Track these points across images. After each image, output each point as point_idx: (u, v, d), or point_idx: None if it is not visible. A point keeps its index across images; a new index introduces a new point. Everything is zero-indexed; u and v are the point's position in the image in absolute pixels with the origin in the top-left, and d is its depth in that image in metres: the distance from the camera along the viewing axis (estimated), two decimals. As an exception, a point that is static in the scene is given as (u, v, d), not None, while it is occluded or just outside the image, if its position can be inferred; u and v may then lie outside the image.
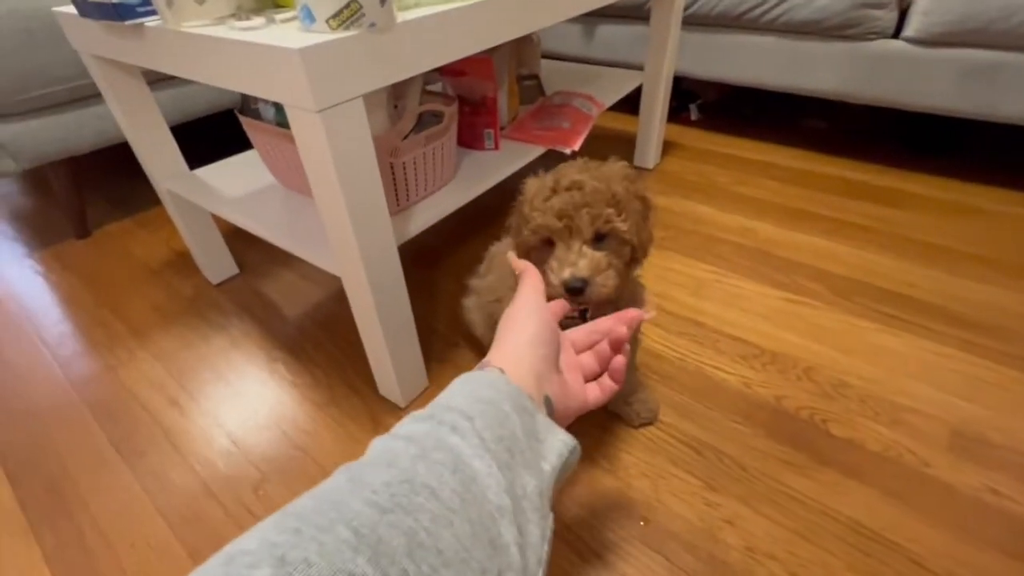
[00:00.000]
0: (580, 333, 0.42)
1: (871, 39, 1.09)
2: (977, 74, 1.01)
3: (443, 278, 0.97)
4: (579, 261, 0.45)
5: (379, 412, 0.71)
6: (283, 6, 0.56)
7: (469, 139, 0.88)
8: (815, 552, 0.53)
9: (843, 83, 1.15)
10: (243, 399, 0.74)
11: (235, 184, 0.82)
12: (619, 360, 0.39)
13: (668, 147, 1.39)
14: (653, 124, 1.22)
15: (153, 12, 0.55)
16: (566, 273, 0.45)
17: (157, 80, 1.08)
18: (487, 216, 1.13)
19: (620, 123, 1.55)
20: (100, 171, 1.47)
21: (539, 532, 0.25)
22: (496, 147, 0.88)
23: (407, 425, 0.27)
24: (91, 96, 1.02)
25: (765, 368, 0.74)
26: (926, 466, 0.60)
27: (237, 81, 0.49)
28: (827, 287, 0.88)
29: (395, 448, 0.25)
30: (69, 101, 1.01)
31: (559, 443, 0.30)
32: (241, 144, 0.89)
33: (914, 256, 0.95)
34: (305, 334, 0.85)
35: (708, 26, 1.27)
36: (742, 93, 1.56)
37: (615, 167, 0.50)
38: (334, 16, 0.42)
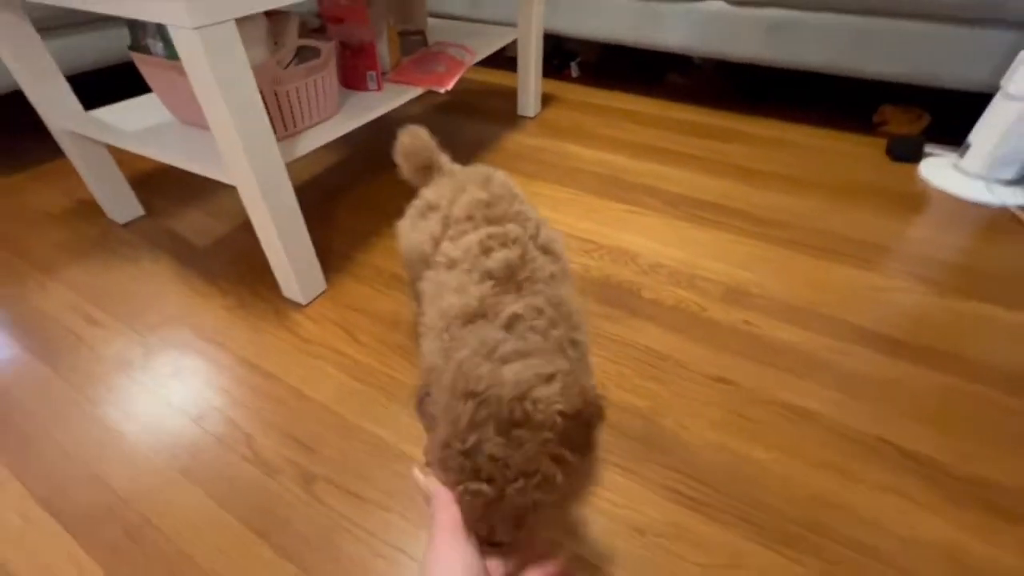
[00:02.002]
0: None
1: (701, 0, 1.31)
2: (780, 29, 1.26)
3: (340, 209, 1.09)
4: (500, 526, 0.33)
5: (283, 309, 0.83)
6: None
7: (354, 80, 1.00)
8: (618, 368, 0.73)
9: (684, 39, 1.37)
10: (157, 313, 0.84)
11: (132, 122, 0.89)
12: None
13: (550, 100, 1.57)
14: (529, 76, 1.38)
15: (38, -51, 0.63)
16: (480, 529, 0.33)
17: (43, 29, 1.09)
18: (377, 156, 1.26)
19: (505, 79, 1.71)
20: (-18, 132, 1.43)
21: None
22: (379, 88, 1.01)
23: None
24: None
25: (601, 258, 0.94)
26: (703, 311, 0.82)
27: (121, 5, 0.58)
28: (660, 200, 1.09)
29: None
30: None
31: None
32: (131, 96, 0.95)
33: (734, 177, 1.18)
34: (213, 258, 0.95)
35: (575, -12, 1.44)
36: (618, 52, 1.76)
37: (552, 400, 0.32)
38: (202, -49, 0.53)
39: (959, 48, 1.11)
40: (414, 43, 1.27)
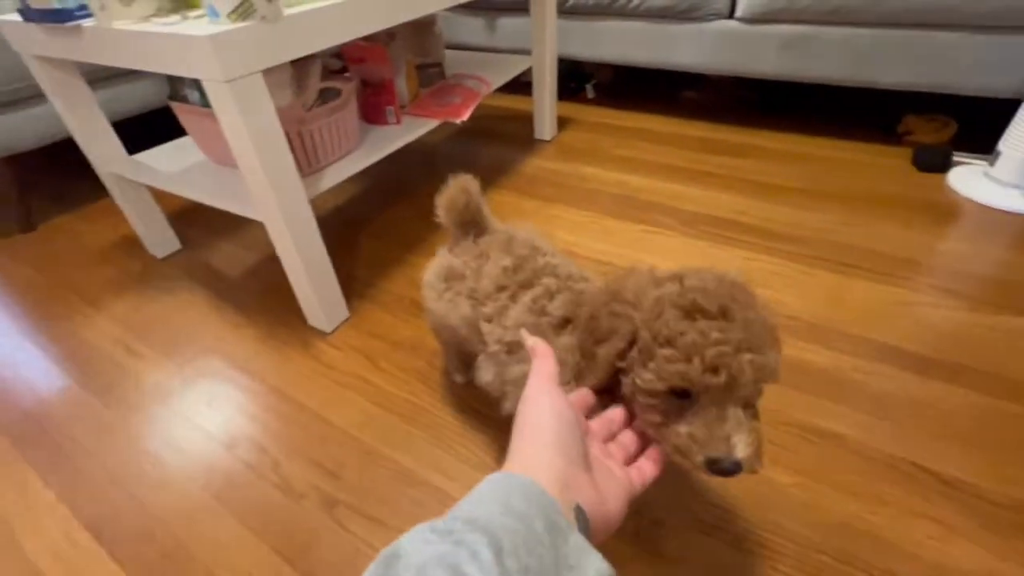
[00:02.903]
0: (596, 424, 0.38)
1: (711, 20, 1.32)
2: (794, 44, 1.26)
3: (362, 237, 1.13)
4: (736, 436, 0.33)
5: (309, 338, 0.87)
6: (194, 6, 0.71)
7: (374, 116, 1.05)
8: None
9: (697, 58, 1.38)
10: (193, 342, 0.88)
11: (170, 163, 0.96)
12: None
13: (566, 122, 1.59)
14: (544, 100, 1.41)
15: (89, 14, 0.69)
16: (718, 451, 0.33)
17: (92, 81, 1.19)
18: (400, 188, 1.30)
19: (522, 104, 1.74)
20: (40, 173, 1.54)
21: None
22: (398, 122, 1.05)
23: (422, 545, 0.24)
24: (30, 98, 1.13)
25: (618, 279, 0.94)
26: (722, 330, 0.82)
27: (163, 65, 0.64)
28: (676, 219, 1.10)
29: None
30: (9, 103, 1.11)
31: (592, 571, 0.25)
32: (171, 139, 1.02)
33: (749, 193, 1.18)
34: (245, 289, 1.00)
35: (587, 14, 1.48)
36: (632, 72, 1.78)
37: (736, 274, 0.38)
38: (232, 11, 0.58)
39: (984, 56, 1.09)
40: (432, 75, 1.32)
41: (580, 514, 0.28)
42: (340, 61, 1.05)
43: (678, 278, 0.37)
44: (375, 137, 1.01)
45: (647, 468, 0.36)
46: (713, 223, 1.08)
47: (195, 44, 0.57)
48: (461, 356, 0.71)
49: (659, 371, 0.33)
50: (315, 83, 0.84)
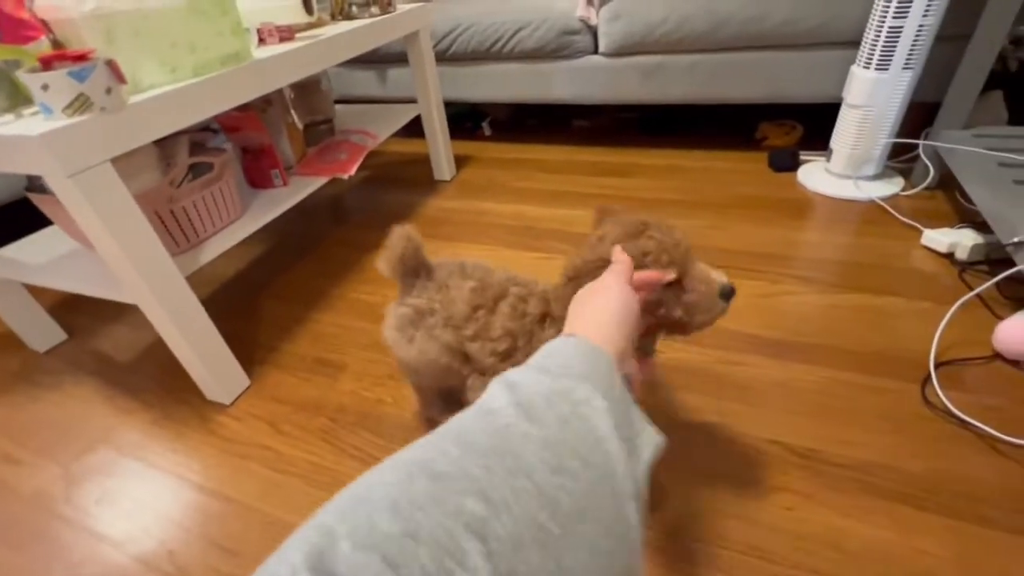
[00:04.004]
0: None
1: (579, 56, 1.44)
2: (653, 72, 1.39)
3: (263, 300, 1.12)
4: (714, 274, 0.50)
5: (207, 413, 0.85)
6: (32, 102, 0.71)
7: (260, 180, 1.06)
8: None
9: (573, 91, 1.50)
10: (79, 437, 0.84)
11: (41, 253, 0.92)
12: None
13: (466, 160, 1.66)
14: (438, 143, 1.47)
15: (-82, 121, 0.67)
16: (724, 278, 0.50)
17: (-53, 177, 1.12)
18: (304, 244, 1.31)
19: (422, 147, 1.79)
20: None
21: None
22: (285, 183, 1.06)
23: (534, 381, 0.26)
24: None
25: (515, 308, 0.99)
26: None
27: (3, 164, 0.63)
28: (568, 244, 1.17)
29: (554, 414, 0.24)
30: None
31: (649, 436, 0.27)
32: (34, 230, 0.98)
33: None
34: (138, 372, 0.96)
35: (467, 60, 1.56)
36: (526, 107, 1.89)
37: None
38: (67, 107, 0.59)
39: (803, 68, 1.25)
40: (323, 132, 1.35)
41: (627, 383, 0.30)
42: (213, 133, 1.05)
43: (643, 229, 0.51)
44: (263, 201, 1.02)
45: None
46: (601, 242, 1.15)
47: (26, 144, 0.57)
48: (441, 392, 0.73)
49: (664, 260, 0.48)
50: (183, 158, 0.84)
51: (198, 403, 0.87)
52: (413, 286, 0.63)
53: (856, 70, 1.10)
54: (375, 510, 0.19)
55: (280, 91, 1.10)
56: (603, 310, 0.35)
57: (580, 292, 0.40)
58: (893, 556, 0.55)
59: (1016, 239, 0.75)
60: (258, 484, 0.72)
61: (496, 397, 0.25)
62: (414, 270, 0.63)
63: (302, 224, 1.42)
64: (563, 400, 0.24)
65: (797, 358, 0.80)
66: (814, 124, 1.46)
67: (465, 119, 1.89)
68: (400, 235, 0.61)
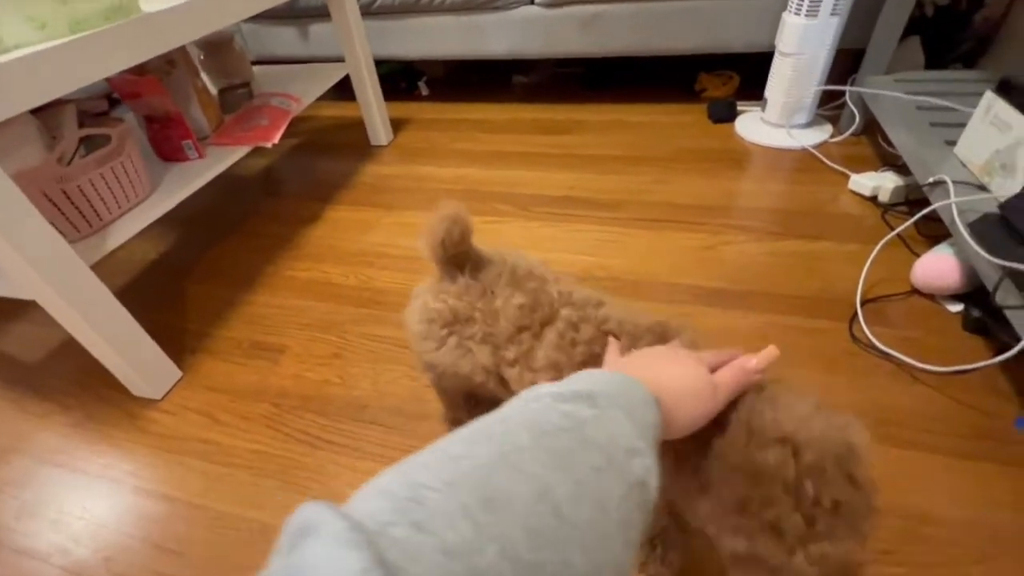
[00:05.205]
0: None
1: (514, 7, 1.37)
2: (589, 23, 1.35)
3: (191, 284, 1.04)
4: None
5: (136, 410, 0.79)
6: None
7: (171, 152, 0.96)
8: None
9: (509, 45, 1.43)
10: (-12, 448, 0.76)
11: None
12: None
13: (403, 123, 1.58)
14: (372, 106, 1.38)
15: None
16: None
17: None
18: (232, 220, 1.21)
19: (356, 111, 1.69)
20: None
21: None
22: (201, 155, 0.97)
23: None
24: None
25: (462, 275, 0.96)
26: (558, 305, 0.87)
27: None
28: (513, 205, 1.14)
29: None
30: None
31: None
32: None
33: (578, 167, 1.25)
34: (51, 374, 0.87)
35: (395, 14, 1.46)
36: (464, 64, 1.80)
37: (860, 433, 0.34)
38: (-95, 73, 0.49)
39: (740, 16, 1.25)
40: (239, 97, 1.23)
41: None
42: (112, 101, 0.94)
43: (791, 444, 0.31)
44: (176, 175, 0.93)
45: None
46: (547, 203, 1.13)
47: None
48: (468, 397, 0.65)
49: (747, 539, 0.32)
50: (72, 131, 0.74)
51: (124, 401, 0.80)
52: (455, 277, 0.52)
53: (788, 17, 1.11)
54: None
55: (184, 51, 0.99)
56: (678, 377, 0.32)
57: (646, 350, 0.35)
58: (826, 484, 0.59)
59: (931, 179, 0.79)
60: (199, 479, 0.68)
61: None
62: (458, 258, 0.52)
63: (229, 199, 1.31)
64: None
65: (737, 305, 0.83)
66: (751, 74, 1.48)
67: (400, 78, 1.78)
68: (445, 216, 0.49)
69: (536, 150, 1.35)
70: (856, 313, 0.77)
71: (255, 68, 1.37)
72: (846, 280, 0.83)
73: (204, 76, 1.18)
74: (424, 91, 1.75)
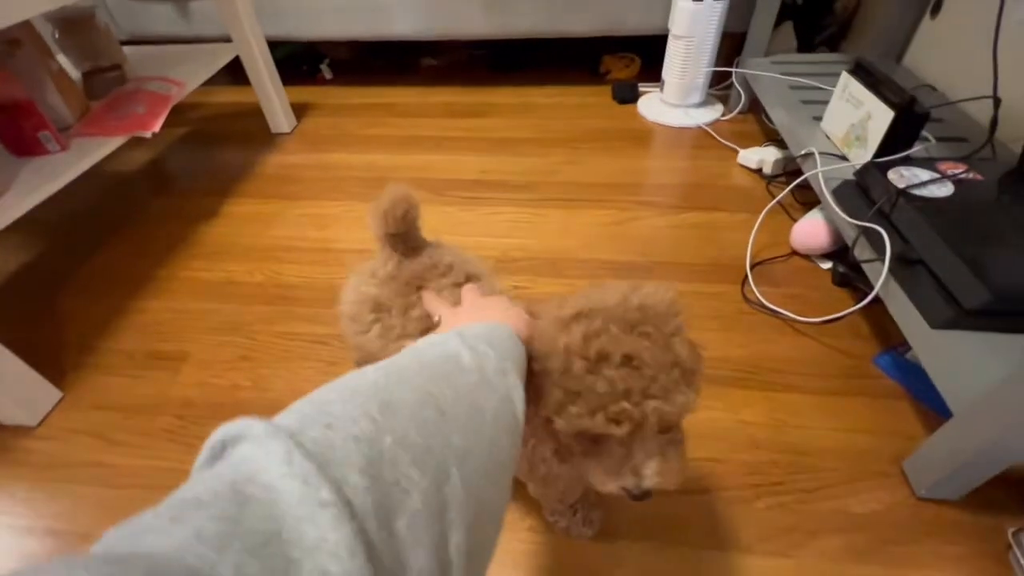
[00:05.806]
0: None
1: (416, -13, 1.33)
2: (493, 3, 1.34)
3: (67, 295, 0.92)
4: (645, 467, 0.33)
5: (8, 440, 0.69)
6: None
7: (24, 146, 0.84)
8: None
9: (414, 26, 1.39)
10: None
11: None
12: None
13: (306, 109, 1.49)
14: (268, 91, 1.29)
15: None
16: (628, 483, 0.34)
17: None
18: (114, 221, 1.09)
19: (250, 96, 1.58)
20: None
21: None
22: (63, 147, 0.86)
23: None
24: None
25: (378, 265, 0.94)
26: (477, 288, 0.88)
27: None
28: (427, 191, 1.12)
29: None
30: None
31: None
32: None
33: (489, 150, 1.25)
34: None
35: (290, -10, 1.36)
36: (370, 47, 1.72)
37: (660, 297, 0.37)
38: None
39: (636, 1, 1.30)
40: (110, 81, 1.10)
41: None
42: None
43: (584, 316, 0.34)
44: (34, 172, 0.81)
45: None
46: (461, 187, 1.13)
47: None
48: None
49: (568, 422, 0.33)
50: None
51: (-8, 430, 0.71)
52: (387, 261, 0.52)
53: (679, 1, 1.17)
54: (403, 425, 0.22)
55: (30, 28, 0.86)
56: (512, 317, 0.39)
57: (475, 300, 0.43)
58: (725, 431, 0.65)
59: (803, 151, 0.88)
60: (91, 507, 0.62)
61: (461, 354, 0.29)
62: (402, 235, 0.51)
63: (109, 198, 1.17)
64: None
65: (646, 276, 0.88)
66: (651, 57, 1.54)
67: (300, 61, 1.67)
68: (392, 192, 0.49)
69: (448, 134, 1.33)
70: (746, 276, 0.85)
71: (128, 49, 1.22)
72: (738, 246, 0.91)
73: (61, 58, 1.05)
74: (328, 75, 1.66)
